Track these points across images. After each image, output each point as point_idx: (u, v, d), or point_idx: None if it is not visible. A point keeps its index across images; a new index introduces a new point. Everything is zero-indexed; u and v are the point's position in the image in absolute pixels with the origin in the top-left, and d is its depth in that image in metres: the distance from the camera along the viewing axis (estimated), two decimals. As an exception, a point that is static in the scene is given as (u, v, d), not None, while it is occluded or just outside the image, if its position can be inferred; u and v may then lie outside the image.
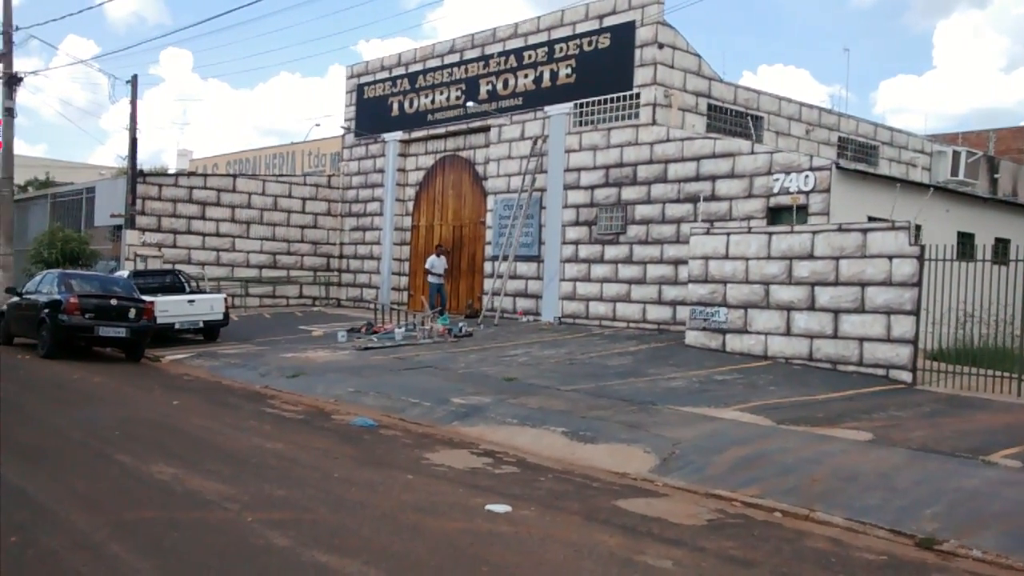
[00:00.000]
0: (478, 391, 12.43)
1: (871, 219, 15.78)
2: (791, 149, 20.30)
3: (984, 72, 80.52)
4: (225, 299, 20.08)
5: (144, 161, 38.77)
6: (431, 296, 22.72)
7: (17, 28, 23.87)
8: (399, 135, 26.56)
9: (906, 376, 13.44)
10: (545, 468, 8.80)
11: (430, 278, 23.21)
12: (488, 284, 23.12)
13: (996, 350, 14.25)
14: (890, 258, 13.81)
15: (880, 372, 13.75)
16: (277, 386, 13.89)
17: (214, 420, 10.87)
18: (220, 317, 19.55)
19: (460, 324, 20.00)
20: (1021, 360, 12.93)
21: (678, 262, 18.74)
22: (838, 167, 16.84)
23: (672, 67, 19.79)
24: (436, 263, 23.29)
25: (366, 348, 17.44)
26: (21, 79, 23.66)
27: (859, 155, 24.23)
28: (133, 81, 24.50)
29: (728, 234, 16.10)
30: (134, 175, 24.51)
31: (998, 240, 18.76)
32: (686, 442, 9.35)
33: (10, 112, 23.64)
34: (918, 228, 14.66)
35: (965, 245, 18.29)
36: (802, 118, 22.79)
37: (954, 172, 25.60)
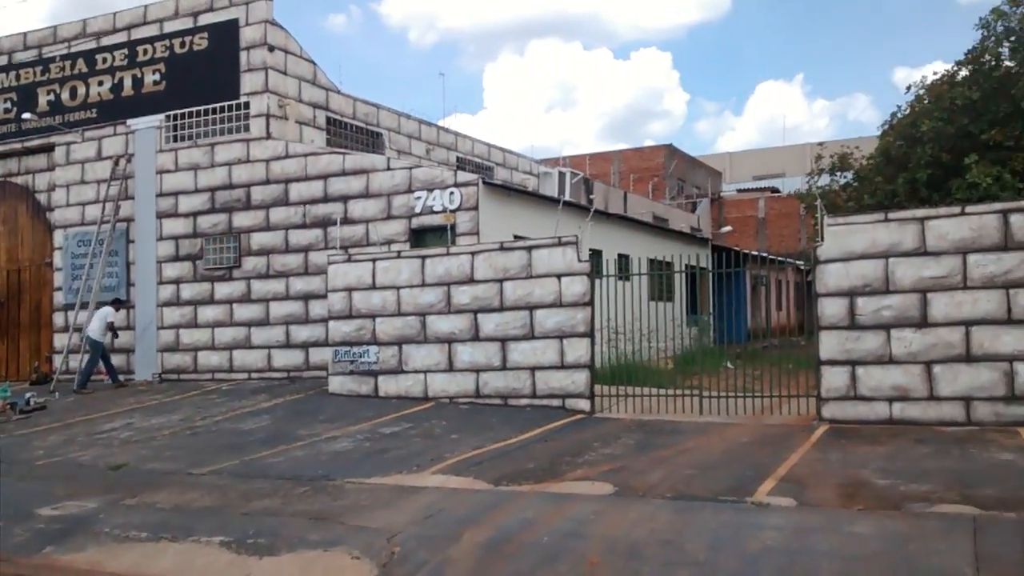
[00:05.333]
0: (75, 491, 8.79)
1: (517, 238, 14.60)
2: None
3: (529, 112, 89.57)
4: None
5: None
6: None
7: None
8: (-81, 158, 20.55)
9: (584, 404, 12.22)
10: (214, 613, 5.78)
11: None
12: (61, 340, 18.38)
13: (641, 367, 13.73)
14: (559, 276, 12.56)
15: (555, 403, 12.41)
16: None
17: None
18: None
19: (27, 395, 15.28)
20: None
21: (309, 297, 16.15)
22: (485, 183, 15.47)
23: (285, 73, 17.14)
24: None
25: None
26: None
27: (476, 174, 23.40)
28: None
29: (374, 260, 13.87)
30: None
31: (620, 256, 18.71)
32: (402, 532, 6.87)
33: None
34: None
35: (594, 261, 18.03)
36: (422, 136, 21.36)
37: (561, 191, 26.17)
